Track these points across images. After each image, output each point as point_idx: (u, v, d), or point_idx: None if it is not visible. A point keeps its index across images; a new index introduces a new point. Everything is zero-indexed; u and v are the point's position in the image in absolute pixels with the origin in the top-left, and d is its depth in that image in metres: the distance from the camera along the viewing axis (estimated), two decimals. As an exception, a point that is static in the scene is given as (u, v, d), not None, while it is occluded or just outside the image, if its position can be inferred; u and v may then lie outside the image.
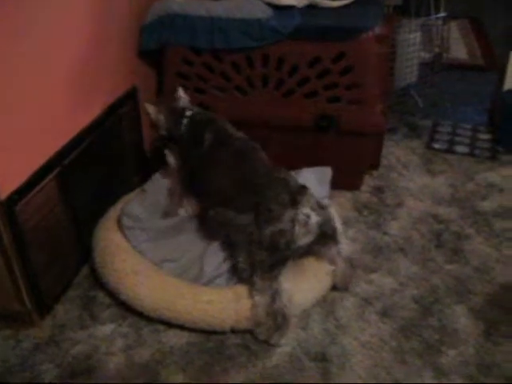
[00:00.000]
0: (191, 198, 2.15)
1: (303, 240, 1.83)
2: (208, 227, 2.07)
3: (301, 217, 1.78)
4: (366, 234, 2.31)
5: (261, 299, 1.80)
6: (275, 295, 1.80)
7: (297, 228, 1.78)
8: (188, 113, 2.12)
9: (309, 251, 1.95)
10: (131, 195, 2.23)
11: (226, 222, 1.92)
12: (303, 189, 1.81)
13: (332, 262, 1.97)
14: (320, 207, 1.86)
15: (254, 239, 1.81)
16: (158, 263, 1.97)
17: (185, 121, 2.11)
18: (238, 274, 1.91)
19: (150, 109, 2.15)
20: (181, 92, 2.19)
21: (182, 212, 2.16)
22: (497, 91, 3.13)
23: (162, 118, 2.13)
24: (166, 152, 2.18)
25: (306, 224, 1.79)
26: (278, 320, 1.80)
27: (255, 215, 1.83)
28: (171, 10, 2.34)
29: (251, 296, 1.82)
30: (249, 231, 1.83)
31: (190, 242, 2.06)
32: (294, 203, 1.78)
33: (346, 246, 2.03)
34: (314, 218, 1.81)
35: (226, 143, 2.04)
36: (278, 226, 1.79)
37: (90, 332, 1.88)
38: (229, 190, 1.94)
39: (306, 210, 1.79)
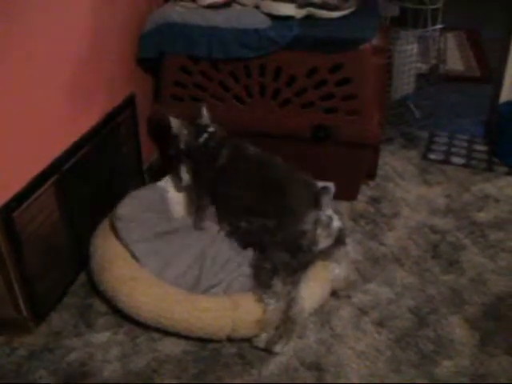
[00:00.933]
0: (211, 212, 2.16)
1: (324, 242, 1.85)
2: (239, 239, 2.06)
3: (323, 218, 1.81)
4: (363, 243, 2.31)
5: (277, 304, 1.79)
6: (292, 302, 1.80)
7: (319, 230, 1.80)
8: (210, 129, 2.16)
9: (321, 255, 1.96)
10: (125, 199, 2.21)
11: (260, 231, 1.93)
12: (325, 189, 1.84)
13: (338, 263, 1.98)
14: (338, 212, 1.88)
15: (277, 240, 1.83)
16: (149, 262, 1.96)
17: (205, 135, 2.14)
18: (256, 276, 1.89)
19: (174, 122, 2.17)
20: (204, 110, 2.22)
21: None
22: (493, 103, 3.14)
23: (184, 132, 2.16)
24: (181, 168, 2.19)
25: (327, 226, 1.82)
26: (288, 327, 1.79)
27: (279, 217, 1.84)
28: (170, 18, 2.35)
29: (264, 299, 1.80)
30: (272, 232, 1.84)
31: (185, 247, 2.05)
32: (317, 204, 1.80)
33: (352, 248, 2.04)
34: (336, 222, 1.84)
35: (242, 155, 2.09)
36: (300, 226, 1.81)
37: (86, 340, 1.87)
38: (253, 198, 1.97)
39: (328, 212, 1.83)
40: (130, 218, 2.05)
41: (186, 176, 2.19)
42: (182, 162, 2.19)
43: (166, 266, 1.95)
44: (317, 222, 1.82)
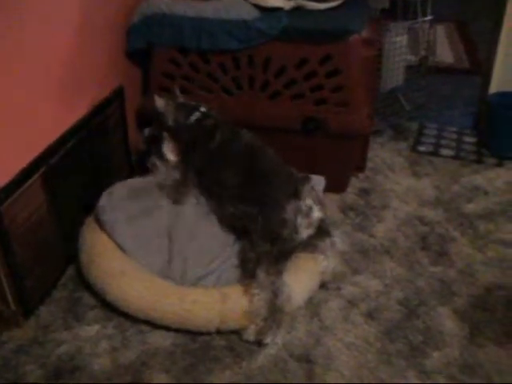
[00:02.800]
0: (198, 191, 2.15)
1: (305, 232, 1.86)
2: (225, 223, 2.05)
3: (303, 208, 1.82)
4: (352, 235, 2.31)
5: (262, 294, 1.79)
6: (277, 291, 1.80)
7: (299, 219, 1.81)
8: (203, 108, 2.17)
9: (305, 245, 1.95)
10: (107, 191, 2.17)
11: (244, 217, 1.93)
12: (305, 179, 1.86)
13: (324, 254, 1.98)
14: (320, 203, 1.88)
15: (258, 228, 1.84)
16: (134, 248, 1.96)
17: (197, 113, 2.14)
18: (242, 266, 1.90)
19: (159, 101, 2.17)
20: (177, 91, 2.24)
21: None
22: (482, 94, 3.14)
23: (171, 109, 2.16)
24: (165, 147, 2.18)
25: (308, 216, 1.83)
26: (276, 317, 1.79)
27: (261, 205, 1.86)
28: (159, 9, 2.34)
29: (251, 290, 1.81)
30: (254, 220, 1.86)
31: (169, 232, 2.03)
32: (298, 194, 1.82)
33: (339, 239, 2.05)
34: (316, 213, 1.86)
35: (236, 139, 2.09)
36: (281, 215, 1.83)
37: (75, 333, 1.87)
38: (240, 184, 1.98)
39: (308, 201, 1.85)
40: (113, 209, 2.04)
41: (171, 155, 2.19)
42: (167, 140, 2.18)
43: (151, 255, 1.95)
44: (297, 211, 1.83)
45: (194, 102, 2.24)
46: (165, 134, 2.18)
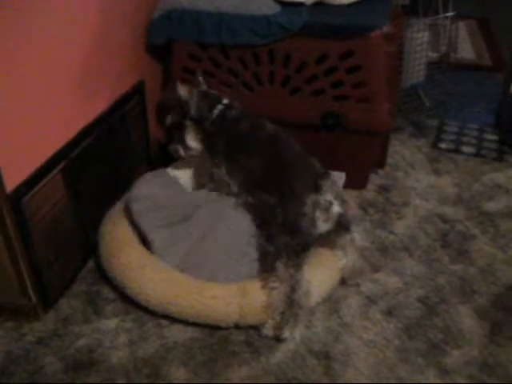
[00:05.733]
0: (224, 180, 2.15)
1: (323, 226, 1.87)
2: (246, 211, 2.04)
3: (322, 202, 1.83)
4: (372, 232, 2.30)
5: (280, 288, 1.79)
6: (296, 285, 1.79)
7: (318, 213, 1.82)
8: (225, 101, 2.16)
9: (323, 240, 1.95)
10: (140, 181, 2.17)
11: (264, 207, 1.93)
12: (326, 174, 1.89)
13: (343, 250, 1.98)
14: (341, 198, 1.89)
15: (278, 221, 1.84)
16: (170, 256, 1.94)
17: (220, 106, 2.14)
18: (261, 260, 1.89)
19: (182, 89, 2.17)
20: (200, 78, 2.25)
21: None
22: (504, 92, 3.11)
23: (194, 98, 2.15)
24: (187, 135, 2.18)
25: (327, 210, 1.84)
26: (294, 311, 1.79)
27: (280, 196, 1.86)
28: (179, 4, 2.33)
29: (269, 284, 1.81)
30: (273, 212, 1.86)
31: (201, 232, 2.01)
32: (318, 188, 1.83)
33: (358, 235, 2.04)
34: (336, 208, 1.86)
35: (260, 130, 2.09)
36: (300, 208, 1.82)
37: (94, 326, 1.88)
38: (263, 173, 1.99)
39: (328, 196, 1.86)
40: (147, 199, 2.04)
41: (193, 143, 2.18)
42: (190, 128, 2.18)
43: (175, 246, 1.95)
44: (315, 204, 1.83)
45: (216, 93, 2.23)
46: (187, 123, 2.18)
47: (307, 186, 1.86)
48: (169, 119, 2.27)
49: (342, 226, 1.95)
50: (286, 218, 1.84)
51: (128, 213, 2.05)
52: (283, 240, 1.81)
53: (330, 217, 1.87)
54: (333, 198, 1.87)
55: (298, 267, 1.81)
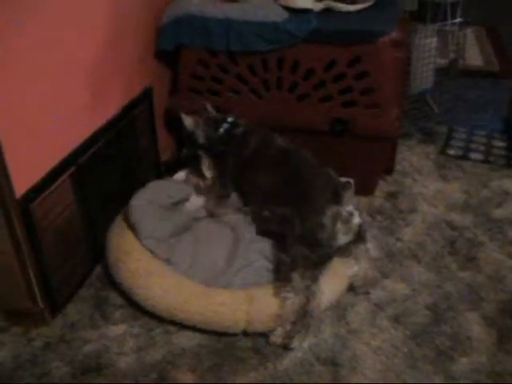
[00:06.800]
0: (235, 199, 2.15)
1: (343, 238, 1.86)
2: (259, 227, 2.02)
3: (344, 214, 1.82)
4: (380, 239, 2.29)
5: (295, 298, 1.78)
6: (311, 296, 1.78)
7: (338, 224, 1.81)
8: (230, 118, 2.17)
9: (341, 251, 1.94)
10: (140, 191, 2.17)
11: (281, 220, 1.91)
12: (347, 184, 1.85)
13: (356, 259, 1.97)
14: (358, 209, 1.89)
15: (297, 233, 1.82)
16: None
17: (225, 125, 2.15)
18: (276, 269, 1.88)
19: (188, 120, 2.18)
20: (209, 106, 2.25)
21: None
22: (512, 98, 3.11)
23: (200, 127, 2.17)
24: (203, 165, 2.18)
25: (348, 222, 1.82)
26: (306, 322, 1.79)
27: (299, 208, 1.85)
28: (188, 11, 2.34)
29: (282, 292, 1.80)
30: (292, 224, 1.84)
31: (203, 243, 2.02)
32: (338, 199, 1.81)
33: (373, 246, 2.04)
34: (357, 219, 1.85)
35: (270, 144, 2.09)
36: (320, 219, 1.81)
37: (102, 332, 1.88)
38: (277, 187, 1.97)
39: (349, 207, 1.83)
40: (144, 210, 2.04)
41: (209, 173, 2.18)
42: (204, 158, 2.18)
43: (176, 257, 1.95)
44: (336, 216, 1.82)
45: (220, 114, 2.24)
46: (200, 152, 2.19)
47: (327, 197, 1.84)
48: (183, 152, 2.27)
49: (360, 236, 1.95)
50: (304, 228, 1.82)
51: (127, 221, 2.05)
52: (300, 251, 1.80)
53: (351, 228, 1.86)
54: (353, 208, 1.85)
55: (315, 279, 1.81)
